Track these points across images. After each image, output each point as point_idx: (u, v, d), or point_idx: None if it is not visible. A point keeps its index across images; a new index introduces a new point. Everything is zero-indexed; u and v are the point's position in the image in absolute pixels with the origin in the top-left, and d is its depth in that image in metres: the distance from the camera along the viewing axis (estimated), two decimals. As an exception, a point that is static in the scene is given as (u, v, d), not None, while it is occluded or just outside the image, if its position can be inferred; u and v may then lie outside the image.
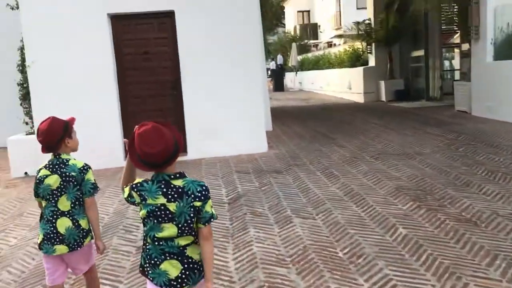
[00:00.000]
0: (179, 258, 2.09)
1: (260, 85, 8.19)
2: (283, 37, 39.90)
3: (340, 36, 19.10)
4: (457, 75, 17.82)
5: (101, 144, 7.49)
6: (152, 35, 7.96)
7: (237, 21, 7.87)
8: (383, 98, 15.90)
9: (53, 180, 2.70)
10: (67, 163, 2.73)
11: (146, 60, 7.96)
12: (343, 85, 18.48)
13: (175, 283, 2.09)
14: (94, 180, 2.80)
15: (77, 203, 2.75)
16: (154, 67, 7.99)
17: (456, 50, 17.59)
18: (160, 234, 2.08)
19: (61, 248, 2.71)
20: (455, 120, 10.06)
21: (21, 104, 8.13)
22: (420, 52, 15.27)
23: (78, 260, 2.81)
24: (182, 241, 2.09)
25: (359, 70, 16.80)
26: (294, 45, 28.80)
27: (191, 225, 2.08)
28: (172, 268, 2.09)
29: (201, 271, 2.12)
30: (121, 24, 7.86)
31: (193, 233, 2.10)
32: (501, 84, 9.45)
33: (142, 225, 2.19)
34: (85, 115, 7.54)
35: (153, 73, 8.01)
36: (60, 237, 2.70)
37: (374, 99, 16.18)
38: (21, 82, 7.97)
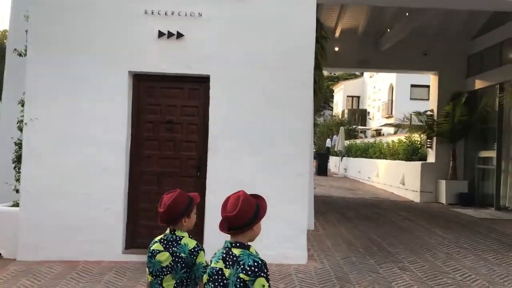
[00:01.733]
0: None
1: (307, 173, 6.50)
2: (330, 120, 38.69)
3: (397, 125, 17.44)
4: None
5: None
6: (180, 102, 6.55)
7: (288, 89, 6.39)
8: (443, 200, 13.80)
9: (165, 258, 2.63)
10: (179, 242, 2.65)
11: (169, 131, 6.51)
12: (395, 179, 16.51)
13: None
14: (206, 262, 2.56)
15: (181, 284, 2.62)
16: (177, 140, 6.51)
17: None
18: None
19: None
20: (547, 245, 7.91)
21: (14, 168, 6.73)
22: (491, 153, 13.29)
23: None
24: None
25: (416, 165, 14.89)
26: (342, 129, 27.34)
27: None
28: None
29: None
30: (145, 85, 6.52)
31: None
32: None
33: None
34: (86, 192, 6.15)
35: (175, 147, 6.51)
36: None
37: (432, 200, 14.09)
38: (19, 141, 6.61)
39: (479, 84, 13.82)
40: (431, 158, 14.84)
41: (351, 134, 32.96)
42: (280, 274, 5.64)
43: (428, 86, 30.80)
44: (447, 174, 14.04)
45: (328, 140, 28.84)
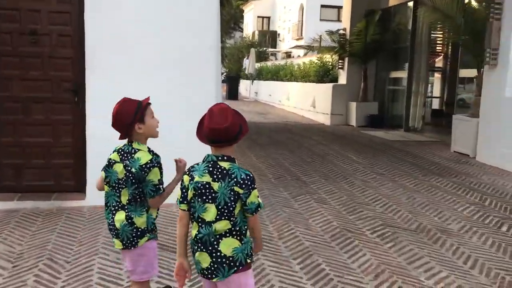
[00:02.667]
0: (209, 251, 2.10)
1: (213, 97, 5.45)
2: (241, 42, 37.33)
3: (308, 47, 16.66)
4: (435, 105, 15.94)
5: None
6: (46, 6, 5.06)
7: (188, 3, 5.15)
8: (353, 122, 13.58)
9: (120, 169, 2.47)
10: (133, 155, 2.45)
11: (34, 44, 5.05)
12: (306, 102, 16.04)
13: (206, 272, 2.13)
14: (159, 180, 2.44)
15: (133, 199, 2.46)
16: (45, 57, 5.09)
17: (437, 75, 15.73)
18: (203, 215, 2.10)
19: (117, 243, 2.53)
20: (459, 166, 7.74)
21: None
22: (402, 74, 13.06)
23: (129, 262, 2.57)
24: (219, 227, 2.08)
25: (328, 87, 14.40)
26: (253, 50, 26.29)
27: (230, 209, 2.07)
28: (203, 260, 2.12)
29: (232, 267, 2.10)
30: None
31: (231, 221, 2.09)
32: (525, 127, 7.22)
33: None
34: None
35: (43, 66, 5.11)
36: (116, 231, 2.50)
37: (343, 123, 13.82)
38: None
39: (393, 1, 13.27)
40: (343, 79, 14.41)
41: (261, 57, 32.08)
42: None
43: (338, 7, 30.42)
44: (358, 96, 13.74)
45: (246, 60, 27.59)
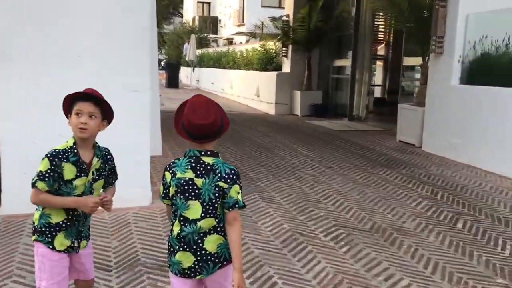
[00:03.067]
0: (193, 250, 2.01)
1: (147, 88, 4.86)
2: (181, 28, 36.24)
3: (250, 34, 16.17)
4: (377, 93, 16.01)
5: None
6: None
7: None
8: (298, 112, 13.33)
9: None
10: None
11: None
12: (250, 91, 15.64)
13: (188, 271, 2.04)
14: (40, 171, 2.18)
15: None
16: None
17: (379, 63, 15.78)
18: (186, 213, 2.01)
19: None
20: (406, 157, 7.62)
21: None
22: (346, 62, 12.93)
23: None
24: (204, 225, 2.01)
25: (271, 75, 14.06)
26: (193, 36, 25.51)
27: (215, 205, 2.01)
28: (185, 259, 2.03)
29: (217, 263, 2.05)
30: None
31: (216, 218, 2.03)
32: (471, 116, 7.17)
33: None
34: None
35: None
36: None
37: (287, 112, 13.55)
38: None
39: (336, -13, 13.08)
40: (287, 67, 14.11)
41: (202, 43, 31.28)
42: (113, 225, 4.19)
43: (280, -7, 30.10)
44: (302, 85, 13.49)
45: (186, 45, 26.65)
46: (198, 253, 2.02)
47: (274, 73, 14.04)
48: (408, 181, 6.09)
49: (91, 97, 2.22)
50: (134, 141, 4.71)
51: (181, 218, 2.02)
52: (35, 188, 2.19)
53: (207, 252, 2.02)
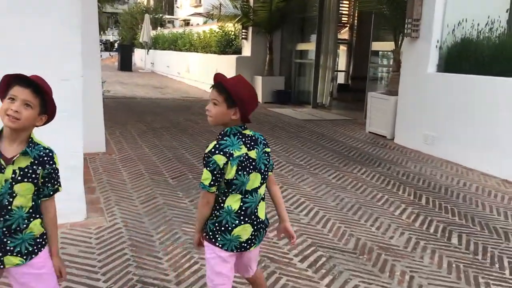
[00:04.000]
0: (251, 220, 2.07)
1: (78, 75, 3.90)
2: (135, 8, 34.53)
3: (208, 15, 15.13)
4: (340, 79, 15.41)
5: None
6: None
7: None
8: (259, 98, 12.54)
9: None
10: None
11: None
12: (208, 76, 14.65)
13: (245, 244, 2.09)
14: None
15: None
16: None
17: (342, 47, 15.17)
18: (248, 186, 2.05)
19: None
20: (380, 151, 6.99)
21: None
22: (309, 46, 12.19)
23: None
24: (262, 191, 2.13)
25: (231, 59, 13.17)
26: (147, 16, 24.16)
27: (267, 171, 2.13)
28: (244, 232, 2.07)
29: (265, 228, 2.16)
30: None
31: (265, 184, 2.16)
32: (448, 107, 6.59)
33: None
34: None
35: None
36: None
37: (248, 98, 12.70)
38: None
39: (300, -35, 12.24)
40: (247, 51, 13.25)
41: (158, 24, 29.85)
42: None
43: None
44: (263, 70, 12.69)
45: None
46: (255, 222, 2.09)
47: (234, 56, 13.15)
48: (386, 181, 5.44)
49: (31, 83, 1.84)
50: (66, 143, 3.77)
51: (244, 192, 2.04)
52: None
53: (260, 219, 2.11)
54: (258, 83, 12.52)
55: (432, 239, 3.87)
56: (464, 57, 6.61)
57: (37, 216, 1.94)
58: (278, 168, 5.80)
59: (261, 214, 2.10)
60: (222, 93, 2.01)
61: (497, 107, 5.84)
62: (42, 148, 1.93)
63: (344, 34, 14.87)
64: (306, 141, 7.49)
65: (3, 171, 1.83)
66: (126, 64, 22.13)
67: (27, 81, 1.85)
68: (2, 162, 1.83)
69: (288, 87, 12.74)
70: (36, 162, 1.89)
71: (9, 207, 1.84)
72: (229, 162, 1.97)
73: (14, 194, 1.85)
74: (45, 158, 1.91)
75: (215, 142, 2.01)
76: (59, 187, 2.01)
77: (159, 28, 27.64)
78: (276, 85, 12.53)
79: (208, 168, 1.97)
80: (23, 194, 1.88)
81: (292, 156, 6.47)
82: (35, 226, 1.93)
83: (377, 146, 7.31)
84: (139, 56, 26.36)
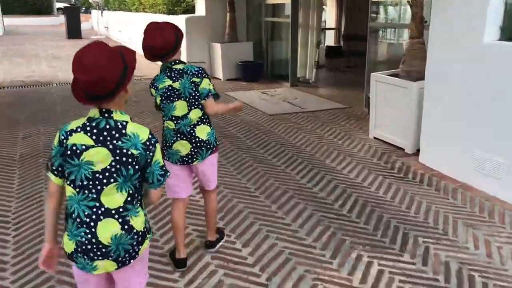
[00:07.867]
0: (188, 138, 2.56)
1: None
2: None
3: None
4: (328, 40, 12.01)
5: None
6: None
7: None
8: (219, 74, 9.26)
9: (102, 156, 1.62)
10: (123, 130, 1.65)
11: None
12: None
13: (186, 159, 2.59)
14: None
15: (132, 197, 1.69)
16: None
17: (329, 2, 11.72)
18: (175, 113, 2.54)
19: (107, 266, 1.69)
20: (398, 192, 3.83)
21: None
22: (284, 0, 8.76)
23: (123, 281, 1.81)
24: (193, 116, 2.55)
25: (180, 20, 9.69)
26: (95, -29, 20.23)
27: (196, 97, 2.53)
28: (182, 147, 2.58)
29: (208, 149, 2.61)
30: None
31: (200, 108, 2.56)
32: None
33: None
34: None
35: None
36: (103, 251, 1.67)
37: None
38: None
39: None
40: (200, 9, 9.80)
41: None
42: None
43: None
44: (223, 35, 9.32)
45: None
46: (193, 140, 2.56)
47: (183, 17, 9.69)
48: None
49: None
50: None
51: (173, 118, 2.56)
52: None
53: (200, 139, 2.57)
54: (217, 53, 9.19)
55: None
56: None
57: None
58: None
59: (201, 134, 2.58)
60: None
61: None
62: None
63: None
64: (267, 180, 4.29)
65: None
66: (74, 30, 18.49)
67: None
68: None
69: (258, 57, 9.42)
70: None
71: None
72: (156, 94, 2.57)
73: None
74: None
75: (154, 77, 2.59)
76: None
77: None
78: (241, 54, 9.20)
79: (150, 89, 2.60)
80: None
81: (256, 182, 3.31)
82: None
83: (391, 175, 4.13)
84: (95, 19, 22.62)
